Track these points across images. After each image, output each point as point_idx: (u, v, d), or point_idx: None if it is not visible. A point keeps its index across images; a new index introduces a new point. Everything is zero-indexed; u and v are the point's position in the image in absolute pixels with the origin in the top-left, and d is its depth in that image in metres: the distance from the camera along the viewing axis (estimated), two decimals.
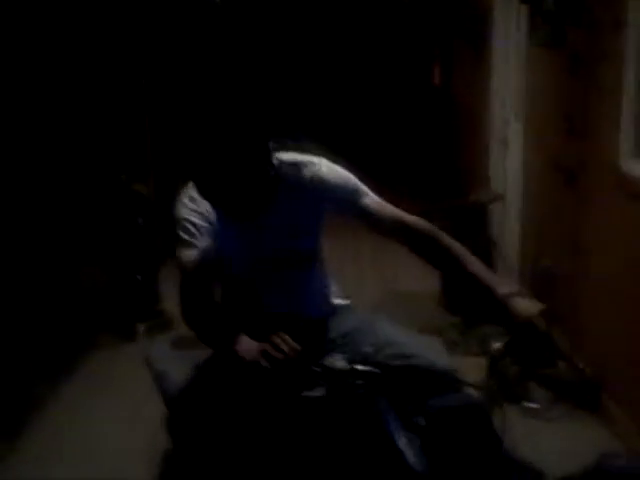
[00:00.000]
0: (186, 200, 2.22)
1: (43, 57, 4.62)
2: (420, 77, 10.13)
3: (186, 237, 2.17)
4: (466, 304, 5.17)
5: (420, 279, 6.08)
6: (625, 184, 3.56)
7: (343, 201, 2.22)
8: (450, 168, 8.71)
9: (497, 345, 1.90)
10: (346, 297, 2.54)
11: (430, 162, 9.11)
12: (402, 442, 1.77)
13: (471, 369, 2.30)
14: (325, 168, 2.24)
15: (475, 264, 2.06)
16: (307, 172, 2.23)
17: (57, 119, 4.85)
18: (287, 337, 1.84)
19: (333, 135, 8.34)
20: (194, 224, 2.18)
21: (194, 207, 2.19)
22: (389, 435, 1.78)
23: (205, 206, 2.18)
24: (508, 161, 6.07)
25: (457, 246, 2.11)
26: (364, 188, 2.24)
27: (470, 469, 1.76)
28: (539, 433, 3.63)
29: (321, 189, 2.22)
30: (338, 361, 1.77)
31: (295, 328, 2.16)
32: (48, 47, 4.65)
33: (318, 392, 1.75)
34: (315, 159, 2.27)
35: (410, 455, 1.76)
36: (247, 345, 1.93)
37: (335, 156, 2.33)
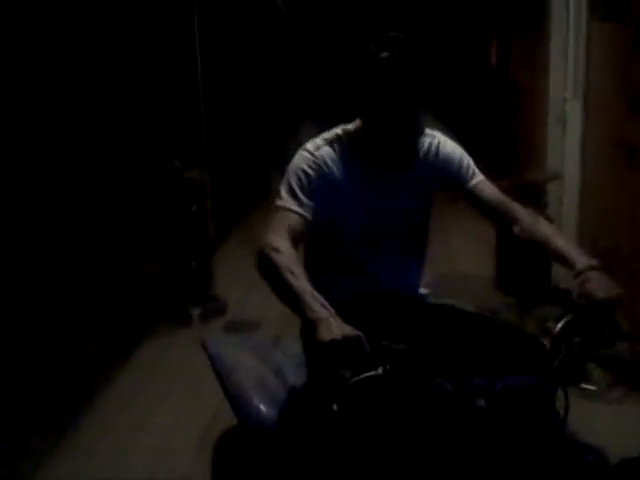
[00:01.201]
0: (307, 153, 2.23)
1: (96, 40, 4.62)
2: (476, 57, 10.00)
3: (294, 185, 2.17)
4: (522, 285, 5.12)
5: (475, 260, 6.05)
6: None
7: (456, 175, 2.32)
8: (507, 147, 8.59)
9: (560, 324, 1.85)
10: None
11: (486, 141, 8.99)
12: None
13: None
14: (443, 140, 2.36)
15: (561, 239, 2.14)
16: (426, 141, 2.33)
17: (109, 106, 4.87)
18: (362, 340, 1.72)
19: None
20: (308, 176, 2.19)
21: (313, 160, 2.22)
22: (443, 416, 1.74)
23: (324, 162, 2.22)
24: (566, 139, 5.94)
25: (549, 227, 2.22)
26: (475, 167, 2.35)
27: (530, 451, 1.71)
28: (597, 415, 3.56)
29: (438, 159, 2.32)
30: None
31: (392, 306, 2.25)
32: (97, 32, 4.65)
33: (376, 371, 1.71)
34: (434, 132, 2.36)
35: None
36: (329, 322, 1.75)
37: None
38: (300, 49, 9.73)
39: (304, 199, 2.15)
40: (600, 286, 1.88)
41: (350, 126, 2.31)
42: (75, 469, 3.51)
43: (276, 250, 1.99)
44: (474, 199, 2.31)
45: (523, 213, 2.24)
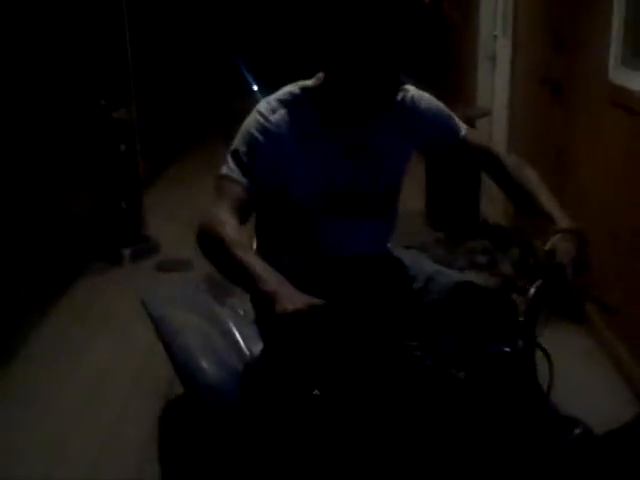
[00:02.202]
0: (259, 116, 1.99)
1: None
2: None
3: (242, 153, 1.95)
4: (451, 220, 5.22)
5: (405, 196, 6.11)
6: (613, 94, 3.53)
7: (445, 131, 2.14)
8: (439, 85, 8.63)
9: (532, 289, 1.73)
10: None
11: (419, 79, 9.01)
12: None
13: None
14: (417, 94, 2.15)
15: (546, 195, 1.99)
16: (403, 94, 2.12)
17: (33, 43, 4.71)
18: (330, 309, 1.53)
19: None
20: (256, 140, 1.96)
21: (266, 125, 1.98)
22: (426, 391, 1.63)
23: (278, 126, 1.99)
24: (495, 77, 6.02)
25: (536, 177, 2.04)
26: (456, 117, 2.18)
27: (512, 426, 1.61)
28: None
29: (416, 115, 2.12)
30: None
31: (350, 270, 2.10)
32: None
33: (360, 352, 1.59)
34: (407, 86, 2.16)
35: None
36: (288, 293, 1.56)
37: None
38: None
39: (251, 167, 1.93)
40: (569, 250, 1.79)
41: (309, 82, 2.07)
42: (6, 404, 3.50)
43: (220, 224, 1.78)
44: (465, 150, 2.14)
45: (508, 160, 2.09)
